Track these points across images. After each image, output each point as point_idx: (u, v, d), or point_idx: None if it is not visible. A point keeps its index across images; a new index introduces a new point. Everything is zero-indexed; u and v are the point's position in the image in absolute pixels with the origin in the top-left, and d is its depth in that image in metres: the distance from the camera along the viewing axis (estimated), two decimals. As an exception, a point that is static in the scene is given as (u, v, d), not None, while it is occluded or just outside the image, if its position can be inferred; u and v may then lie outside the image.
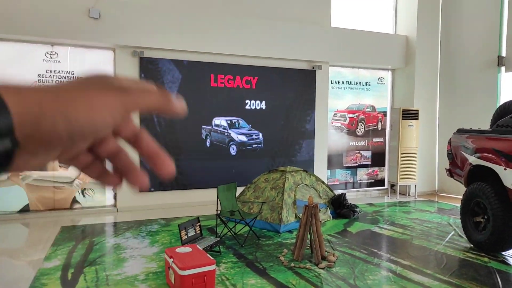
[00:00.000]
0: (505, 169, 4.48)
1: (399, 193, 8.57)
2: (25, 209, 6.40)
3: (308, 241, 4.53)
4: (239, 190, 6.32)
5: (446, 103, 8.84)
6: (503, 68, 7.88)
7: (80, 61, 6.61)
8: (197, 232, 4.55)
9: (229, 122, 7.43)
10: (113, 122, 0.36)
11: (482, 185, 4.82)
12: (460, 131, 5.60)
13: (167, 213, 6.61)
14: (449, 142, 5.74)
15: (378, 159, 9.05)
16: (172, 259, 3.46)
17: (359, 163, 8.89)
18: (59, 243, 4.95)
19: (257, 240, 5.14)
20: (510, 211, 4.48)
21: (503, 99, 7.59)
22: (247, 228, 5.26)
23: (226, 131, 7.42)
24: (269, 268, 4.15)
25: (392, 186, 8.77)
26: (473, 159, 5.05)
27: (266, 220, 5.70)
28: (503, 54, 7.83)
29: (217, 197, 5.04)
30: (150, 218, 6.30)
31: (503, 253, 4.72)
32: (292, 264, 4.24)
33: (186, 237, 4.34)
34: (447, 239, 5.34)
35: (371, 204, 7.72)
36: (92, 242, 5.02)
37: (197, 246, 3.83)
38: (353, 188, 8.83)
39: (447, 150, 5.80)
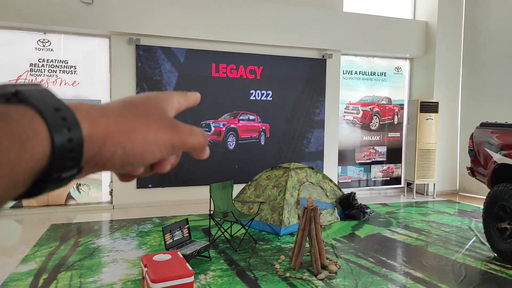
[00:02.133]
0: (536, 169, 3.89)
1: (416, 193, 7.96)
2: (18, 205, 6.16)
3: (307, 247, 4.06)
4: (241, 187, 5.92)
5: (469, 94, 8.13)
6: (534, 56, 7.12)
7: (74, 49, 6.27)
8: (185, 235, 4.14)
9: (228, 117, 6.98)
10: (160, 157, 0.39)
11: (509, 186, 4.23)
12: (484, 125, 4.99)
13: (164, 211, 6.25)
14: (471, 138, 5.14)
15: (393, 155, 8.44)
16: (146, 269, 3.06)
17: (373, 160, 8.30)
18: (43, 243, 4.65)
19: (253, 244, 4.70)
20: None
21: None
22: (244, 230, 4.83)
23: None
24: (261, 278, 3.71)
25: (409, 184, 8.15)
26: (498, 157, 4.45)
27: (266, 221, 5.25)
28: (535, 40, 7.07)
29: (210, 196, 4.62)
30: (145, 216, 5.95)
31: (533, 265, 4.13)
32: (288, 274, 3.78)
33: (171, 241, 3.94)
34: (467, 246, 4.77)
35: (384, 204, 7.15)
36: (77, 243, 4.69)
37: (178, 253, 3.42)
38: (367, 186, 8.26)
39: (469, 147, 5.19)
